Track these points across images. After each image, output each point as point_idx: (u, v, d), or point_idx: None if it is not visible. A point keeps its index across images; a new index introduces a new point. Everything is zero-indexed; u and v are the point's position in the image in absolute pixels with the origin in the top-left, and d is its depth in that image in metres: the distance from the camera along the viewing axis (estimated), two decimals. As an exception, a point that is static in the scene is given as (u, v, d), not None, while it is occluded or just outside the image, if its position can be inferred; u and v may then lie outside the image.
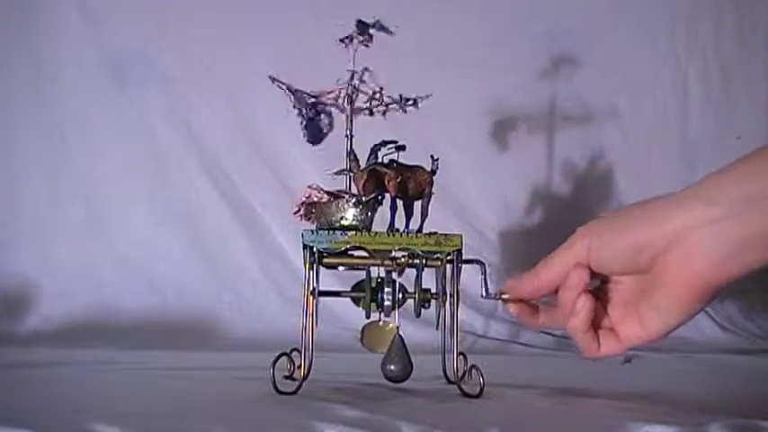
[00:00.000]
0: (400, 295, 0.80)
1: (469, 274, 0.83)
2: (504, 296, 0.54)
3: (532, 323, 0.55)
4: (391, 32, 0.87)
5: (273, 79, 0.85)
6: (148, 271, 1.60)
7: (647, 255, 0.47)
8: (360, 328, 0.83)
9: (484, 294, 0.60)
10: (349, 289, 0.85)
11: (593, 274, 0.50)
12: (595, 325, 0.52)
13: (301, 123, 0.86)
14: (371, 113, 0.88)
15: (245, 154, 1.69)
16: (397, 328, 0.81)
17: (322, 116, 0.86)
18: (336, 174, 0.86)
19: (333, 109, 0.88)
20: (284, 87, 0.86)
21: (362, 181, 0.82)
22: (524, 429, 0.61)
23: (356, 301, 0.82)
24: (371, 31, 0.86)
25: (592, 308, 0.50)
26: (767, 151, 0.45)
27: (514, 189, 1.75)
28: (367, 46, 0.87)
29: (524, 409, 0.71)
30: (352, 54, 0.87)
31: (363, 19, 0.87)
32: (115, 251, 1.61)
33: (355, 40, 0.87)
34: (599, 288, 0.53)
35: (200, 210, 1.67)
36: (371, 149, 0.84)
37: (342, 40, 0.87)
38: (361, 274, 0.83)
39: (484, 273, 0.68)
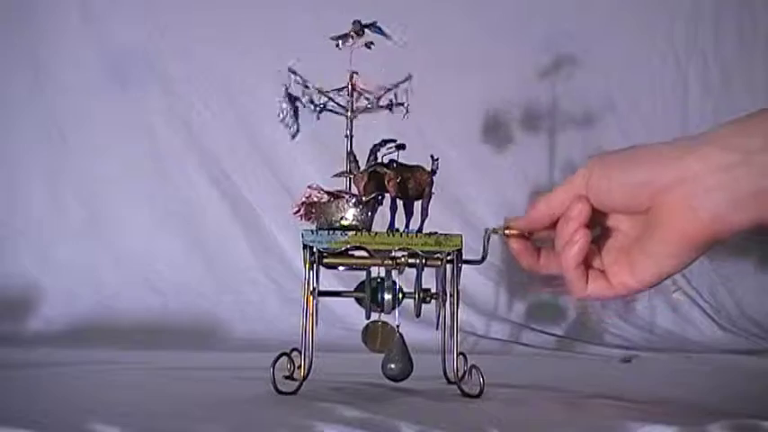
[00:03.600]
0: (400, 295, 0.81)
1: (469, 275, 0.83)
2: (506, 231, 0.54)
3: (532, 263, 0.54)
4: (388, 36, 0.87)
5: (292, 71, 0.86)
6: (148, 271, 1.60)
7: (648, 194, 0.46)
8: (361, 328, 0.83)
9: (487, 230, 0.59)
10: (349, 289, 0.85)
11: (593, 211, 0.49)
12: (587, 265, 0.51)
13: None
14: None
15: (245, 154, 1.69)
16: (398, 326, 0.81)
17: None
18: (337, 176, 0.86)
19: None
20: (300, 81, 0.87)
21: (363, 182, 0.82)
22: (524, 429, 0.61)
23: (359, 300, 0.83)
24: (368, 31, 0.87)
25: (587, 241, 0.49)
26: None
27: (514, 189, 1.75)
28: (369, 48, 0.87)
29: (524, 409, 0.71)
30: (351, 54, 0.87)
31: (361, 20, 0.87)
32: (115, 251, 1.61)
33: (355, 41, 0.87)
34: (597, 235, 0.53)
35: (201, 210, 1.67)
36: (371, 149, 0.84)
37: (335, 38, 0.87)
38: (362, 274, 0.83)
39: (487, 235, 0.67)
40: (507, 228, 0.54)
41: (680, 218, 0.45)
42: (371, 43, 0.88)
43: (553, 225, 0.51)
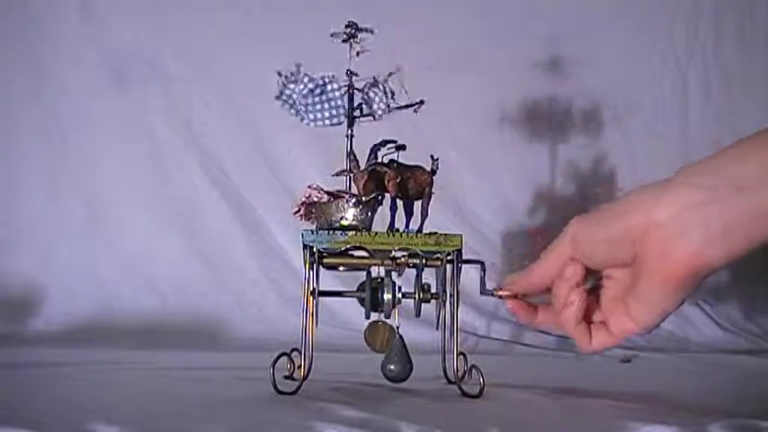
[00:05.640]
0: (400, 295, 0.81)
1: (469, 274, 0.83)
2: (501, 293, 0.55)
3: (531, 320, 0.56)
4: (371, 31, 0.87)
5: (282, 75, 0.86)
6: (148, 271, 1.60)
7: (629, 244, 0.47)
8: (363, 329, 0.83)
9: (482, 291, 0.61)
10: (349, 289, 0.85)
11: (587, 270, 0.51)
12: (588, 319, 0.52)
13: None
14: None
15: (245, 154, 1.69)
16: (397, 327, 0.81)
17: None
18: (336, 174, 0.86)
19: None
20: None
21: (363, 181, 0.82)
22: (524, 429, 0.61)
23: (360, 300, 0.83)
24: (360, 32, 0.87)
25: (583, 300, 0.50)
26: (751, 139, 0.45)
27: (514, 189, 1.75)
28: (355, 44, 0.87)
29: (524, 409, 0.71)
30: (350, 55, 0.87)
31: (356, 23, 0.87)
32: (115, 251, 1.61)
33: (353, 42, 0.87)
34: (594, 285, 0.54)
35: (200, 210, 1.67)
36: (371, 149, 0.84)
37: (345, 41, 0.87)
38: (362, 274, 0.83)
39: (483, 271, 0.68)
40: (500, 290, 0.55)
41: (660, 262, 0.46)
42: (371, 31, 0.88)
43: (548, 289, 0.52)
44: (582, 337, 0.52)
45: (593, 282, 0.52)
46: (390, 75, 0.87)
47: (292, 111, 0.87)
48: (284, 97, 0.86)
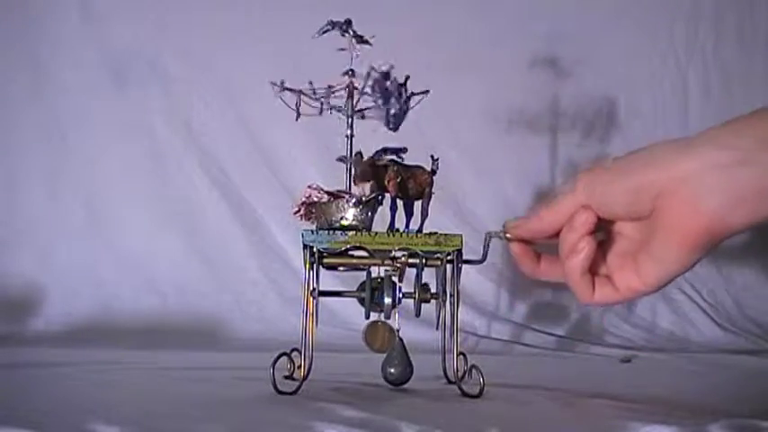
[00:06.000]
0: (400, 295, 0.81)
1: (470, 275, 0.83)
2: (507, 236, 0.53)
3: (532, 269, 0.53)
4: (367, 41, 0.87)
5: (281, 87, 0.85)
6: (148, 271, 1.60)
7: (649, 197, 0.46)
8: (362, 329, 0.83)
9: (488, 233, 0.58)
10: (349, 289, 0.85)
11: (597, 220, 0.49)
12: (593, 272, 0.50)
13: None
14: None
15: (245, 154, 1.69)
16: (398, 330, 0.81)
17: (392, 100, 0.86)
18: (340, 160, 0.86)
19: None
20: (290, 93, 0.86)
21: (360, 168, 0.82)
22: (524, 429, 0.61)
23: (360, 300, 0.83)
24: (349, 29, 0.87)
25: (592, 249, 0.49)
26: (747, 117, 0.44)
27: (514, 189, 1.75)
28: (363, 42, 0.87)
29: (524, 409, 0.71)
30: (351, 54, 0.87)
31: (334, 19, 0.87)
32: (115, 251, 1.61)
33: (352, 40, 0.87)
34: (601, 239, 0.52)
35: (200, 210, 1.67)
36: (373, 155, 0.84)
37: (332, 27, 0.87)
38: (362, 275, 0.83)
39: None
40: (507, 232, 0.53)
41: (681, 219, 0.45)
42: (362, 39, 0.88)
43: (555, 234, 0.51)
44: (585, 288, 0.50)
45: (602, 236, 0.51)
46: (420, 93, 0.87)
47: (379, 101, 0.86)
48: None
